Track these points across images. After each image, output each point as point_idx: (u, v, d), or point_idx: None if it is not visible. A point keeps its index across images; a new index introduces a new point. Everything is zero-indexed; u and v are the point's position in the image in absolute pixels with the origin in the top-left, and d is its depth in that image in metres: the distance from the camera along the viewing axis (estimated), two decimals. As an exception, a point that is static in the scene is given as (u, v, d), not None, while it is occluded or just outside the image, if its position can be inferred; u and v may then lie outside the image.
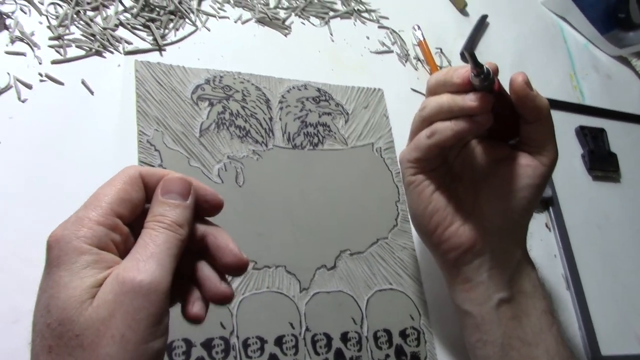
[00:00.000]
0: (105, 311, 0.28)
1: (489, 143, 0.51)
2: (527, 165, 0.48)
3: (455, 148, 0.52)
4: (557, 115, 0.78)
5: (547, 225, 0.69)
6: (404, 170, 0.51)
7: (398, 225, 0.59)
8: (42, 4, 0.53)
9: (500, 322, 0.48)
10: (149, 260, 0.30)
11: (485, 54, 0.79)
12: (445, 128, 0.46)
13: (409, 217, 0.53)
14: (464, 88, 0.45)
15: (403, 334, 0.54)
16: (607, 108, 0.85)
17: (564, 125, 0.79)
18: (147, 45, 0.56)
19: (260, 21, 0.63)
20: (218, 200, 0.36)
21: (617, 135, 0.82)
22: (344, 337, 0.51)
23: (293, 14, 0.66)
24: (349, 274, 0.54)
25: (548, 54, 0.86)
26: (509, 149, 0.50)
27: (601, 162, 0.78)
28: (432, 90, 0.48)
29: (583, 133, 0.78)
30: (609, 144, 0.80)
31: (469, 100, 0.44)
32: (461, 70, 0.45)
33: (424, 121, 0.48)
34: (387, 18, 0.73)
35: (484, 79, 0.43)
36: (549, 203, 0.70)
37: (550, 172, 0.49)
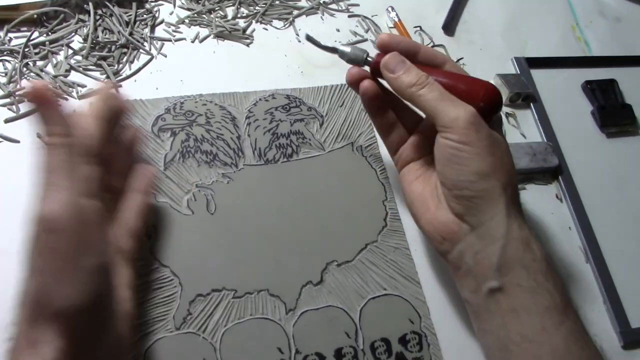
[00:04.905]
0: None
1: None
2: (437, 145, 0.48)
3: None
4: (561, 74, 0.75)
5: (557, 196, 0.65)
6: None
7: (388, 225, 0.56)
8: (-11, 63, 0.53)
9: (496, 312, 0.46)
10: None
11: (472, 23, 0.74)
12: None
13: None
14: None
15: (403, 340, 0.51)
16: (618, 55, 0.79)
17: (569, 84, 0.74)
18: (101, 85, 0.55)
19: (219, 35, 0.61)
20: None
21: (631, 84, 0.75)
22: (338, 354, 0.49)
23: (254, 21, 0.64)
24: (338, 286, 0.52)
25: (544, 9, 0.80)
26: None
27: (614, 116, 0.72)
28: None
29: (590, 88, 0.73)
30: (622, 94, 0.74)
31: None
32: None
33: None
34: (357, 5, 0.70)
35: (340, 57, 0.52)
36: (557, 172, 0.65)
37: (461, 139, 0.45)
